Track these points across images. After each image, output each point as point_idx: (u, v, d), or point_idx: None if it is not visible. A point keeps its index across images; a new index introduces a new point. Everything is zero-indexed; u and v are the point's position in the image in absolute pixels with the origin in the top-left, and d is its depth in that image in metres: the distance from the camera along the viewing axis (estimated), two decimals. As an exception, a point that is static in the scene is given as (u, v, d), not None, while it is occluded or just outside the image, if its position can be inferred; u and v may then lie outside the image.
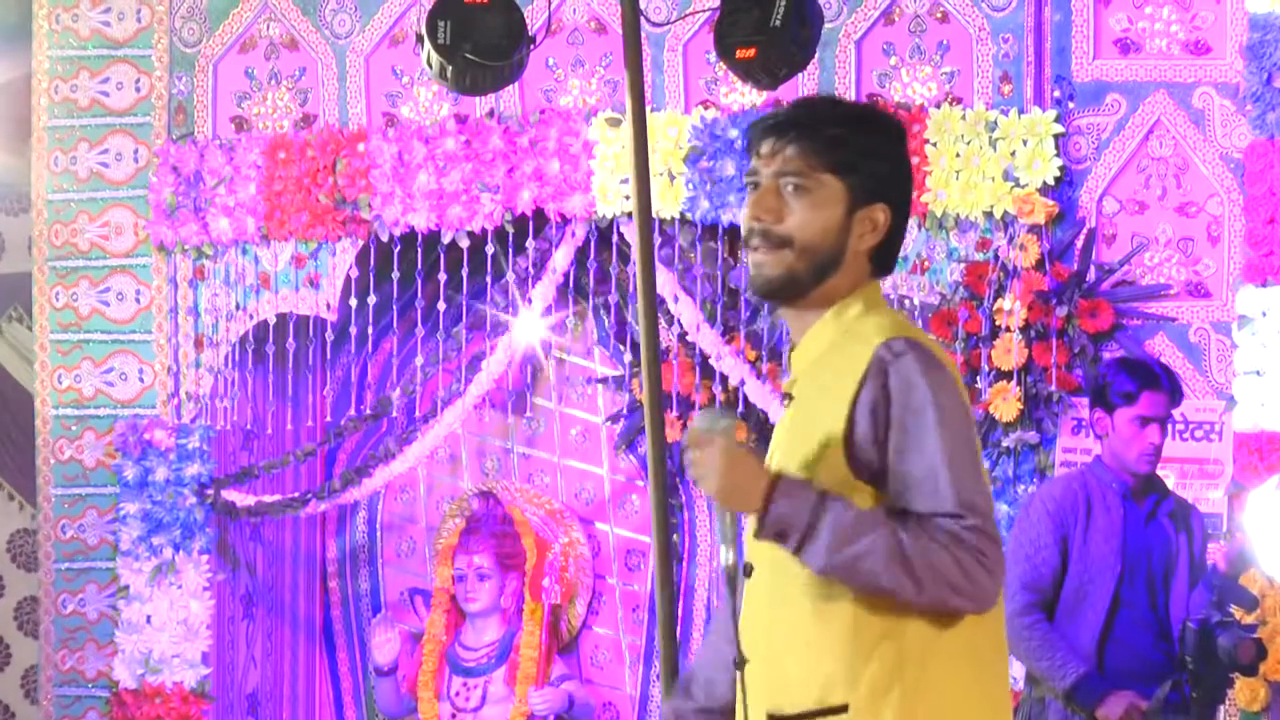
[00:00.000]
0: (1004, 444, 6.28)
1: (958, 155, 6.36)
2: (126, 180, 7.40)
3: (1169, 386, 5.56)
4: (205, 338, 7.29)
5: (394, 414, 7.29)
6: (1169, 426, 5.65)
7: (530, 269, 6.94)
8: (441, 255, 7.00)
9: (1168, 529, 5.61)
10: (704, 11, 6.44)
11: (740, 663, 3.07)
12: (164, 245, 7.31)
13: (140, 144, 7.39)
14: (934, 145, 6.37)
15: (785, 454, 3.08)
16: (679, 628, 6.52)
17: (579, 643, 7.41)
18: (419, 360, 7.08)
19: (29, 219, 7.60)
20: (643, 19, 5.55)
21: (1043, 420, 6.29)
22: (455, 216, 6.92)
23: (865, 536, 2.93)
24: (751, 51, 5.62)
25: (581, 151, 6.79)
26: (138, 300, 7.38)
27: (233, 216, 7.17)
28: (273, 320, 7.21)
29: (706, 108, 6.74)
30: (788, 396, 3.17)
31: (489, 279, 6.99)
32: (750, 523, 3.01)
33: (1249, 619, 5.70)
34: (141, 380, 7.39)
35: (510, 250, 6.95)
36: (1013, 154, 6.33)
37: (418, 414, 7.22)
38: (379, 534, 7.71)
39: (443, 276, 6.99)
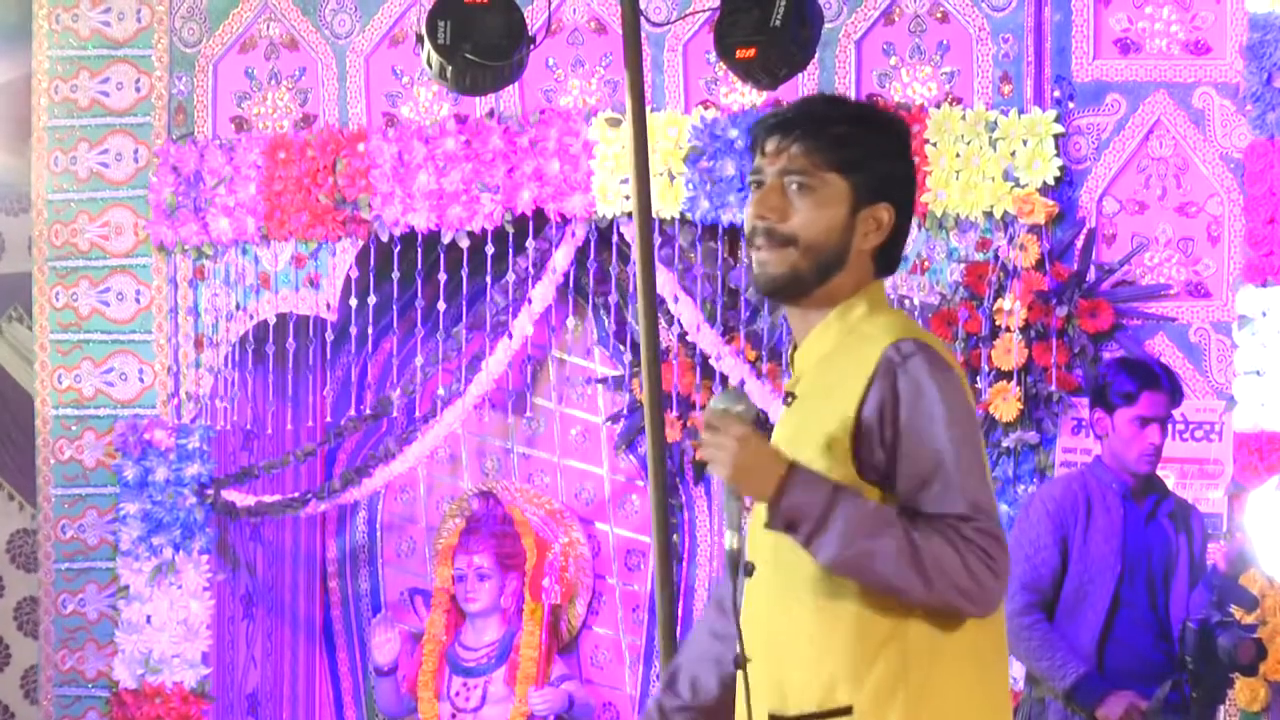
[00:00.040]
0: (1004, 444, 6.28)
1: (958, 155, 6.36)
2: (126, 180, 7.40)
3: (1169, 386, 5.56)
4: (205, 338, 7.29)
5: (394, 414, 7.29)
6: (1169, 426, 5.65)
7: (530, 269, 6.94)
8: (441, 255, 7.00)
9: (1168, 529, 5.61)
10: (704, 11, 6.44)
11: (741, 662, 3.07)
12: (164, 245, 7.31)
13: (140, 144, 7.39)
14: (934, 145, 6.37)
15: (793, 453, 3.06)
16: (679, 628, 6.51)
17: (579, 643, 7.40)
18: (419, 360, 7.08)
19: (29, 219, 7.60)
20: (643, 19, 5.55)
21: (1043, 420, 6.29)
22: (455, 216, 6.92)
23: (877, 533, 2.93)
24: (751, 51, 5.62)
25: (581, 151, 6.79)
26: (138, 300, 7.38)
27: (233, 216, 7.17)
28: (273, 320, 7.21)
29: (706, 108, 6.74)
30: (790, 395, 3.17)
31: (489, 279, 6.99)
32: (760, 511, 3.01)
33: (1249, 619, 5.70)
34: (141, 380, 7.39)
35: (510, 250, 6.95)
36: (1013, 154, 6.33)
37: (418, 414, 7.22)
38: (379, 534, 7.71)
39: (443, 276, 6.99)
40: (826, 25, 6.17)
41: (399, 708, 7.17)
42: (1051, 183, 6.31)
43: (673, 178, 6.66)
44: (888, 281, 3.24)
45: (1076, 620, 5.51)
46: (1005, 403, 6.26)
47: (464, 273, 6.88)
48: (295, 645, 7.64)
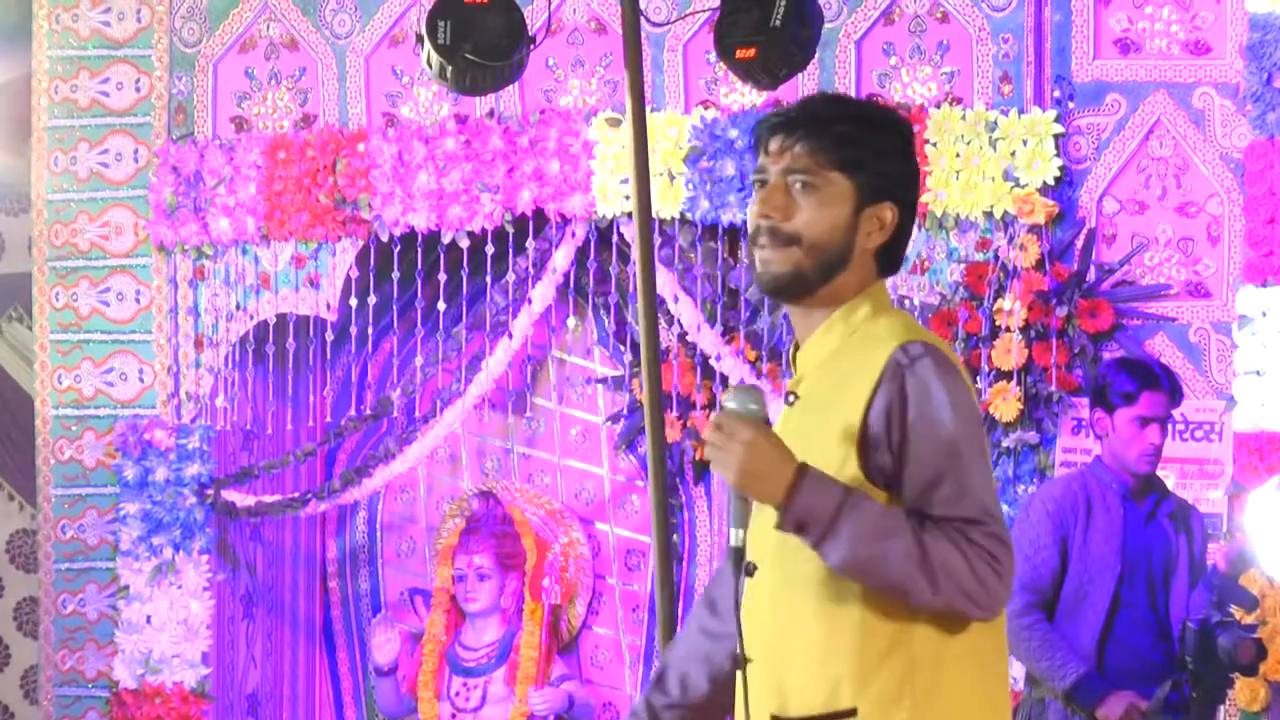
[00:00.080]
0: (1004, 444, 6.28)
1: (958, 155, 6.36)
2: (126, 180, 7.40)
3: (1169, 386, 5.56)
4: (205, 338, 7.29)
5: (394, 414, 7.29)
6: (1169, 426, 5.65)
7: (530, 269, 6.94)
8: (441, 255, 7.00)
9: (1168, 529, 5.61)
10: (704, 11, 6.44)
11: (742, 662, 3.07)
12: (164, 245, 7.31)
13: (140, 144, 7.39)
14: (934, 145, 6.37)
15: (796, 453, 3.05)
16: (679, 628, 6.51)
17: (579, 643, 7.40)
18: (419, 360, 7.08)
19: (29, 219, 7.60)
20: (643, 19, 5.55)
21: (1043, 420, 6.29)
22: (455, 216, 6.92)
23: (887, 535, 2.92)
24: (751, 51, 5.61)
25: (581, 151, 6.79)
26: (138, 300, 7.38)
27: (233, 216, 7.17)
28: (273, 320, 7.21)
29: (706, 108, 6.74)
30: (792, 395, 3.16)
31: (489, 279, 6.99)
32: (763, 511, 3.00)
33: (1249, 619, 5.70)
34: (141, 380, 7.39)
35: (510, 250, 6.95)
36: (1013, 154, 6.33)
37: (418, 414, 7.22)
38: (379, 534, 7.71)
39: (443, 276, 6.99)
40: (826, 25, 6.17)
41: (399, 708, 7.17)
42: (1051, 183, 6.31)
43: (673, 178, 6.66)
44: (888, 281, 3.22)
45: (1076, 620, 5.51)
46: (1005, 403, 6.26)
47: (464, 273, 6.88)
48: (295, 645, 7.65)
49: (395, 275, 7.01)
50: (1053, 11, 6.41)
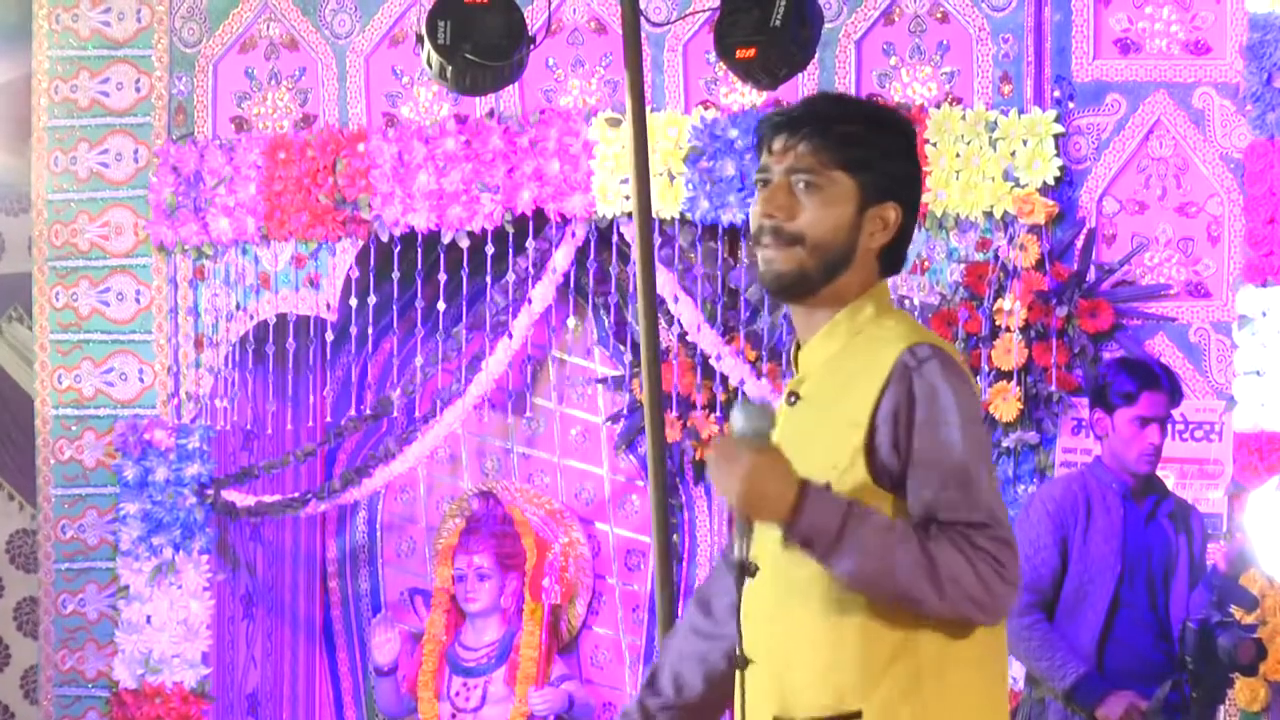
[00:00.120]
0: (1004, 444, 6.28)
1: (958, 155, 6.36)
2: (126, 180, 7.40)
3: (1169, 386, 5.56)
4: (205, 338, 7.29)
5: (394, 414, 7.29)
6: (1169, 427, 5.65)
7: (530, 269, 6.94)
8: (441, 255, 7.00)
9: (1167, 529, 5.61)
10: (704, 11, 6.44)
11: (742, 663, 3.07)
12: (164, 245, 7.31)
13: (140, 144, 7.39)
14: (934, 145, 6.37)
15: (798, 454, 3.03)
16: (679, 628, 6.50)
17: (579, 643, 7.40)
18: (419, 360, 7.08)
19: (29, 219, 7.60)
20: (643, 19, 5.55)
21: (1043, 420, 6.29)
22: (455, 216, 6.92)
23: (892, 547, 2.91)
24: (751, 51, 5.61)
25: (581, 151, 6.79)
26: (138, 300, 7.38)
27: (233, 216, 7.17)
28: (273, 320, 7.21)
29: (706, 108, 6.74)
30: (794, 395, 3.14)
31: (489, 279, 6.99)
32: (774, 530, 2.98)
33: (1249, 619, 5.70)
34: (141, 380, 7.39)
35: (510, 250, 6.95)
36: (1013, 154, 6.33)
37: (418, 414, 7.22)
38: (379, 534, 7.71)
39: (443, 276, 6.99)
40: (826, 25, 6.17)
41: (399, 708, 7.17)
42: (1051, 183, 6.31)
43: (673, 178, 6.66)
44: (888, 282, 3.21)
45: (1076, 620, 5.51)
46: (1005, 403, 6.26)
47: (464, 273, 6.88)
48: (295, 645, 7.64)
49: (395, 275, 7.01)
50: (1053, 11, 6.41)
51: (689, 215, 6.67)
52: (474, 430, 7.50)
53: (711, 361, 6.80)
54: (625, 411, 7.23)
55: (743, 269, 6.75)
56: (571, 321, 7.19)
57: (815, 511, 2.92)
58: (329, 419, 7.57)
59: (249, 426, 7.36)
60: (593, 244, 6.94)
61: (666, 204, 6.63)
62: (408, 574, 7.61)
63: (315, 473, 7.60)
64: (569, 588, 7.23)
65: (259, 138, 7.19)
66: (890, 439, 2.99)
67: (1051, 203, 6.30)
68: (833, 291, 3.11)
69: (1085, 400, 5.86)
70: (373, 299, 7.01)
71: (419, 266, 6.93)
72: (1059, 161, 6.32)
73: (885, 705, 2.98)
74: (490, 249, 6.90)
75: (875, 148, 3.11)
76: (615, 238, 6.81)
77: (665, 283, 6.66)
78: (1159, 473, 5.66)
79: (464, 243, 6.92)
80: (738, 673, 3.08)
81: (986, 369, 6.28)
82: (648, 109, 5.78)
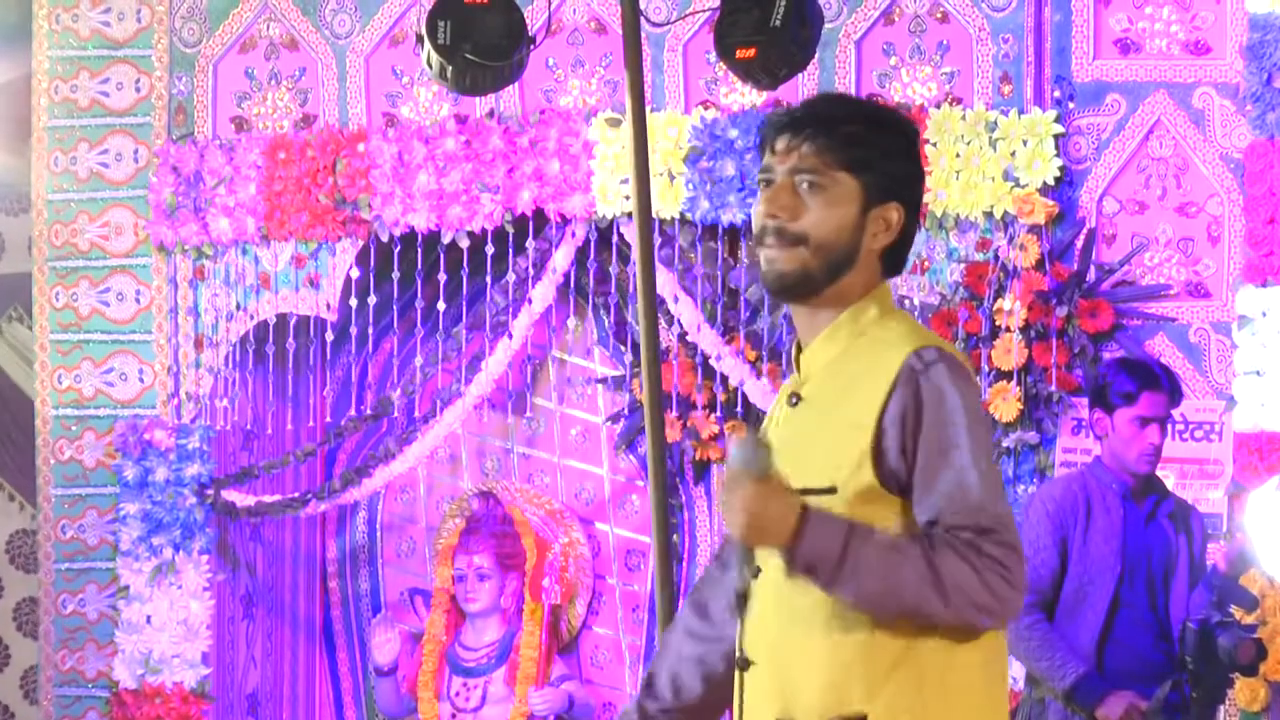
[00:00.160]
0: (1004, 444, 6.27)
1: (958, 155, 6.36)
2: (126, 180, 7.40)
3: (1169, 386, 5.56)
4: (205, 338, 7.29)
5: (394, 414, 7.29)
6: (1169, 427, 5.65)
7: (530, 269, 6.94)
8: (441, 255, 7.00)
9: (1167, 530, 5.61)
10: (704, 11, 6.44)
11: (743, 665, 3.06)
12: (164, 245, 7.31)
13: (140, 144, 7.39)
14: (934, 145, 6.37)
15: (799, 456, 3.04)
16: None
17: (579, 643, 7.40)
18: (419, 360, 7.08)
19: (29, 219, 7.60)
20: (643, 19, 5.55)
21: (1043, 420, 6.29)
22: (455, 216, 6.92)
23: (896, 564, 2.91)
24: (751, 51, 5.62)
25: (581, 151, 6.79)
26: (138, 300, 7.38)
27: (233, 216, 7.17)
28: (273, 320, 7.21)
29: (706, 108, 6.74)
30: (795, 396, 3.13)
31: (489, 279, 6.99)
32: (779, 557, 2.97)
33: (1249, 619, 5.70)
34: (141, 380, 7.39)
35: (510, 250, 6.95)
36: (1013, 154, 6.33)
37: (418, 414, 7.22)
38: (379, 534, 7.71)
39: (443, 276, 6.99)
40: (826, 25, 6.17)
41: (399, 708, 7.17)
42: (1051, 183, 6.32)
43: (673, 178, 6.66)
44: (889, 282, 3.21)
45: (1076, 621, 5.51)
46: (1005, 403, 6.26)
47: (464, 273, 6.88)
48: (295, 645, 7.64)
49: (395, 275, 7.01)
50: (1053, 11, 6.41)
51: (689, 215, 6.67)
52: (474, 430, 7.50)
53: (711, 361, 6.80)
54: (625, 411, 7.23)
55: (743, 269, 6.75)
56: (571, 321, 7.19)
57: (816, 534, 2.91)
58: (329, 419, 7.57)
59: (249, 426, 7.36)
60: (593, 244, 6.94)
61: (666, 204, 6.63)
62: (408, 574, 7.61)
63: (315, 473, 7.60)
64: (569, 588, 7.23)
65: (259, 138, 7.19)
66: (898, 443, 2.98)
67: (1051, 203, 6.30)
68: (835, 292, 3.10)
69: (1085, 400, 5.86)
70: (373, 299, 7.01)
71: (419, 266, 6.93)
72: (1059, 161, 6.32)
73: (890, 709, 2.98)
74: (490, 249, 6.90)
75: (879, 148, 3.10)
76: (615, 238, 6.81)
77: (665, 283, 6.66)
78: (1159, 473, 5.66)
79: (464, 243, 6.92)
80: (737, 674, 3.07)
81: (986, 369, 6.28)
82: (648, 109, 5.78)
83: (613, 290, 7.05)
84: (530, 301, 6.98)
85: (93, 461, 7.40)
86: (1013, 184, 6.32)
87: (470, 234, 6.91)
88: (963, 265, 6.36)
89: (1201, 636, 5.33)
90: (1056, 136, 6.33)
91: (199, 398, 7.29)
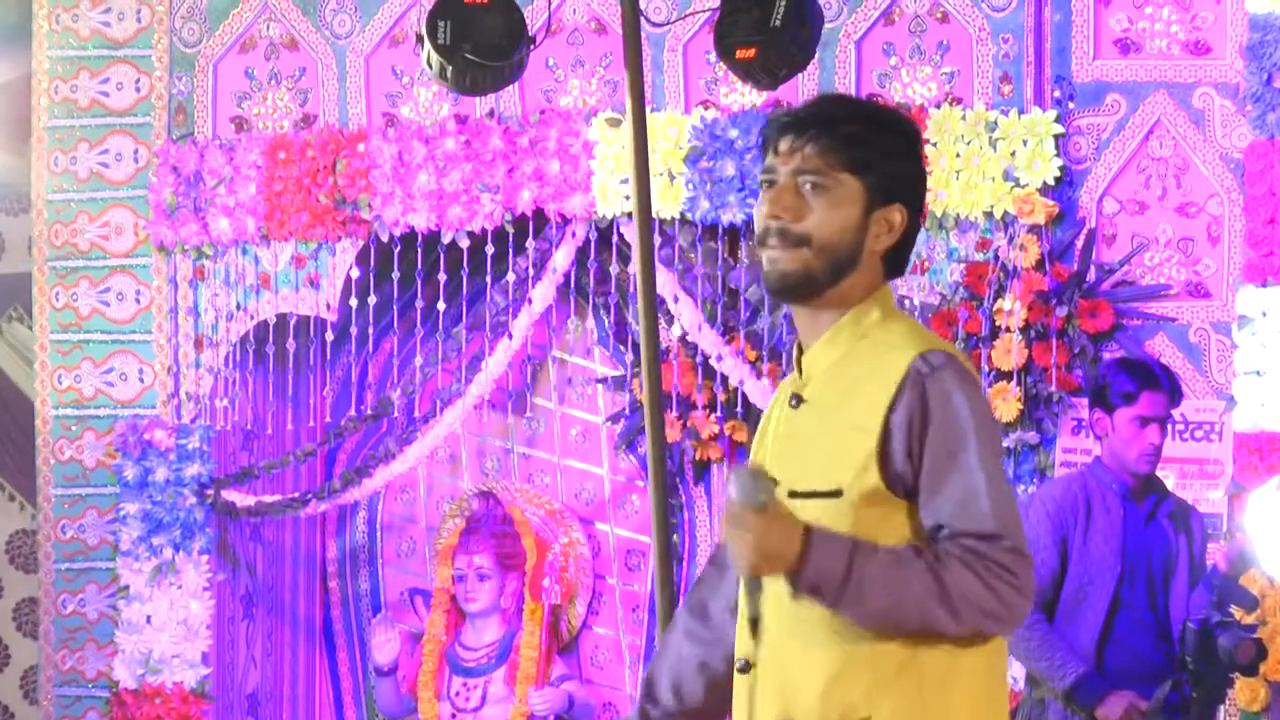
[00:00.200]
0: (1004, 444, 6.27)
1: (958, 155, 6.36)
2: (126, 180, 7.40)
3: (1169, 386, 5.56)
4: (205, 338, 7.29)
5: (394, 414, 7.29)
6: (1169, 427, 5.65)
7: (530, 269, 6.94)
8: (441, 255, 7.00)
9: (1167, 530, 5.61)
10: (704, 11, 6.44)
11: (744, 668, 3.06)
12: (164, 245, 7.31)
13: (140, 144, 7.39)
14: (934, 145, 6.37)
15: (801, 458, 3.04)
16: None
17: (579, 643, 7.40)
18: (419, 360, 7.08)
19: (29, 219, 7.60)
20: (643, 19, 5.55)
21: (1043, 420, 6.29)
22: (455, 216, 6.92)
23: (902, 581, 2.90)
24: (751, 51, 5.62)
25: (581, 151, 6.79)
26: (138, 300, 7.38)
27: (233, 216, 7.17)
28: (273, 320, 7.21)
29: (706, 108, 6.74)
30: (797, 398, 3.12)
31: (489, 279, 6.99)
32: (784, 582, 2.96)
33: (1249, 619, 5.70)
34: (141, 380, 7.39)
35: (510, 250, 6.95)
36: (1013, 154, 6.33)
37: (418, 414, 7.22)
38: (379, 534, 7.71)
39: (443, 276, 6.99)
40: (826, 25, 6.17)
41: (399, 708, 7.17)
42: (1051, 183, 6.32)
43: (673, 178, 6.66)
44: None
45: (1076, 621, 5.51)
46: (1005, 403, 6.26)
47: (464, 273, 6.88)
48: (295, 645, 7.64)
49: (395, 275, 7.01)
50: (1053, 11, 6.41)
51: (689, 215, 6.67)
52: (474, 430, 7.50)
53: (711, 361, 6.80)
54: (625, 411, 7.23)
55: (743, 269, 6.75)
56: (571, 321, 7.19)
57: (821, 555, 2.90)
58: (329, 419, 7.57)
59: (249, 426, 7.36)
60: (593, 244, 6.94)
61: (666, 204, 6.63)
62: (408, 574, 7.61)
63: (315, 473, 7.60)
64: (569, 588, 7.23)
65: (259, 138, 7.19)
66: (904, 447, 2.97)
67: (1051, 203, 6.30)
68: (838, 294, 3.09)
69: (1085, 400, 5.86)
70: (373, 299, 7.01)
71: (419, 266, 6.93)
72: (1059, 161, 6.32)
73: (895, 713, 2.97)
74: (490, 249, 6.90)
75: (881, 149, 3.09)
76: (615, 238, 6.81)
77: (665, 283, 6.66)
78: (1159, 473, 5.66)
79: (464, 243, 6.92)
80: (738, 676, 3.07)
81: (986, 369, 6.28)
82: (648, 109, 5.78)
83: (613, 290, 7.05)
84: (530, 301, 6.98)
85: (93, 461, 7.40)
86: (1013, 184, 6.32)
87: (470, 234, 6.91)
88: (963, 265, 6.36)
89: (1201, 636, 5.32)
90: (1056, 136, 6.33)
91: (199, 398, 7.29)
